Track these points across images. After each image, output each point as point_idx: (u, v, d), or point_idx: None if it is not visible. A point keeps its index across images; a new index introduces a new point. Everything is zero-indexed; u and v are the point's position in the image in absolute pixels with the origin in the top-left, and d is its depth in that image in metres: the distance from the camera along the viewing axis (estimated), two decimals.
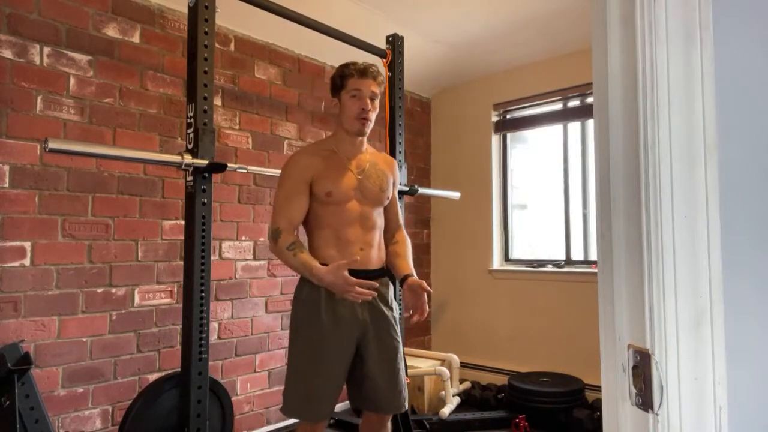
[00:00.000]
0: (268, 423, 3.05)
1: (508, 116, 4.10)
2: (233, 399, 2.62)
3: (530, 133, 4.13)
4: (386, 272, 1.97)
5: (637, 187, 0.64)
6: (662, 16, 0.64)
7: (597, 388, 3.01)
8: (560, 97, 3.76)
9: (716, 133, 0.64)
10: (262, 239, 3.07)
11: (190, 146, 2.01)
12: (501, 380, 3.68)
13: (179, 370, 2.06)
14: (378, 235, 1.94)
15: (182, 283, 2.12)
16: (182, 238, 2.17)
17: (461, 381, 3.63)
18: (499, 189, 4.08)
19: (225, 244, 2.89)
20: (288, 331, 1.96)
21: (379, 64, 2.64)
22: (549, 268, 3.77)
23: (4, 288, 2.13)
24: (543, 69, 3.77)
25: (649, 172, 0.63)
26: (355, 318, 1.83)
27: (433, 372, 3.29)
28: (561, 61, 3.66)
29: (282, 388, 1.92)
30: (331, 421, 3.10)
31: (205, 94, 2.01)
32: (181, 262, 2.36)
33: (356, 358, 1.86)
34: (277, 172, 2.55)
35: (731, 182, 0.66)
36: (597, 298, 0.71)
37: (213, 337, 2.79)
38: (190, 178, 2.00)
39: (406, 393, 1.94)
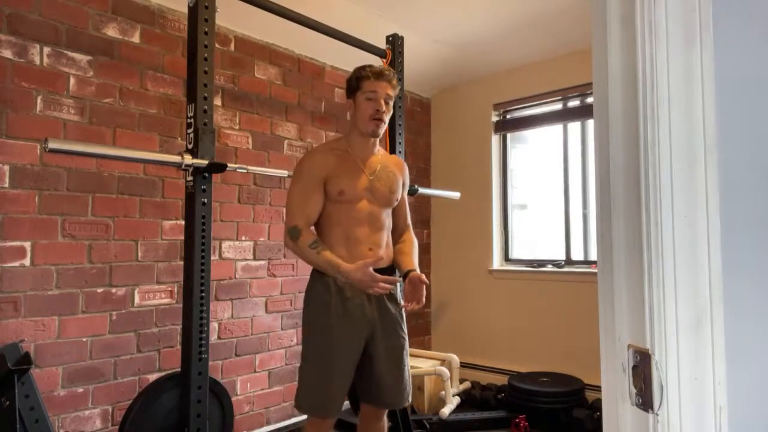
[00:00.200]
0: (268, 423, 3.05)
1: (508, 116, 4.10)
2: (233, 399, 2.62)
3: (530, 133, 4.13)
4: (394, 271, 2.03)
5: (637, 187, 0.64)
6: (662, 16, 0.64)
7: (597, 388, 3.01)
8: (560, 97, 3.76)
9: (716, 133, 0.64)
10: (262, 239, 3.07)
11: (190, 146, 2.01)
12: (501, 380, 3.68)
13: (179, 370, 2.06)
14: (386, 236, 1.98)
15: (182, 283, 2.12)
16: (182, 238, 2.17)
17: (461, 381, 3.63)
18: (499, 189, 4.08)
19: (225, 244, 2.89)
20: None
21: (380, 64, 2.64)
22: (549, 268, 3.77)
23: (4, 288, 2.13)
24: (543, 69, 3.77)
25: (649, 172, 0.63)
26: (364, 316, 1.88)
27: (433, 372, 3.29)
28: (561, 61, 3.66)
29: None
30: None
31: (205, 94, 2.01)
32: (181, 262, 2.36)
33: (364, 354, 1.91)
34: (277, 172, 2.57)
35: (731, 182, 0.66)
36: (597, 298, 0.71)
37: (213, 337, 2.79)
38: (190, 178, 2.00)
39: (410, 388, 2.01)
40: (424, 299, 1.92)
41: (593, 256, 3.64)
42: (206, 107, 2.01)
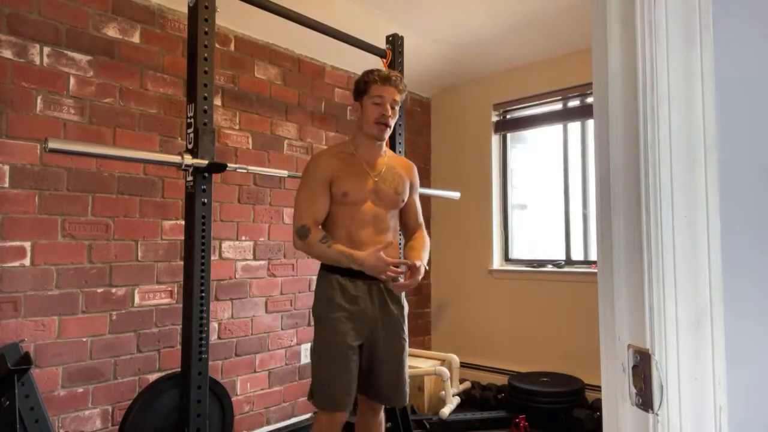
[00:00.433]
0: (268, 423, 3.05)
1: (508, 116, 4.10)
2: (233, 399, 2.62)
3: (530, 133, 4.13)
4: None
5: (637, 187, 0.64)
6: (662, 16, 0.64)
7: (597, 388, 3.01)
8: (560, 97, 3.76)
9: (716, 133, 0.64)
10: (262, 239, 3.07)
11: (190, 146, 2.01)
12: (501, 380, 3.68)
13: (179, 370, 2.06)
14: (391, 237, 2.00)
15: (182, 283, 2.12)
16: (182, 238, 2.17)
17: (461, 381, 3.63)
18: (499, 189, 4.08)
19: (225, 244, 2.89)
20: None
21: (379, 64, 2.64)
22: (549, 268, 3.77)
23: (4, 288, 2.13)
24: (543, 69, 3.77)
25: (649, 172, 0.63)
26: (366, 315, 1.92)
27: (433, 372, 3.29)
28: (561, 61, 3.66)
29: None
30: None
31: (205, 94, 2.01)
32: (181, 262, 2.36)
33: (365, 351, 1.95)
34: (277, 172, 2.57)
35: (731, 182, 0.66)
36: (597, 298, 0.71)
37: (213, 337, 2.79)
38: (190, 178, 2.00)
39: (407, 388, 2.05)
40: (415, 282, 1.90)
41: (593, 256, 3.64)
42: (206, 107, 2.01)
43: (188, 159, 1.96)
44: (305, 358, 3.15)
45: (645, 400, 0.62)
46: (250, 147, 3.04)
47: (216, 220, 2.81)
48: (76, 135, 2.35)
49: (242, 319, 2.95)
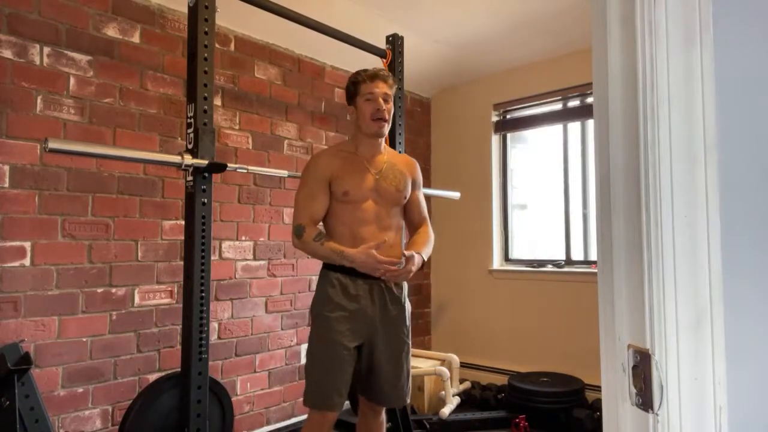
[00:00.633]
0: (268, 423, 3.05)
1: (508, 116, 4.10)
2: (233, 399, 2.62)
3: (530, 133, 4.13)
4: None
5: (637, 187, 0.64)
6: (662, 16, 0.64)
7: (597, 388, 3.01)
8: (560, 97, 3.76)
9: (716, 133, 0.64)
10: (262, 239, 3.07)
11: (190, 146, 2.01)
12: (501, 380, 3.67)
13: (179, 370, 2.06)
14: (394, 235, 2.00)
15: (182, 283, 2.12)
16: (182, 238, 2.17)
17: (461, 381, 3.63)
18: (499, 189, 4.08)
19: (225, 244, 2.89)
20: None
21: (379, 64, 2.64)
22: (549, 268, 3.77)
23: (4, 288, 2.13)
24: (543, 69, 3.77)
25: (649, 172, 0.63)
26: (366, 315, 1.91)
27: (433, 372, 3.29)
28: (561, 61, 3.66)
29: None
30: None
31: (205, 94, 2.01)
32: (181, 262, 2.36)
33: (365, 352, 1.94)
34: (277, 172, 2.57)
35: (731, 182, 0.66)
36: (597, 298, 0.71)
37: (213, 337, 2.79)
38: (190, 178, 2.00)
39: (408, 388, 2.04)
40: (407, 271, 1.87)
41: (593, 256, 3.64)
42: (206, 107, 2.01)
43: (188, 159, 1.96)
44: (305, 358, 3.15)
45: (645, 400, 0.62)
46: (250, 147, 3.04)
47: (216, 220, 2.81)
48: (76, 135, 2.35)
49: (242, 319, 2.95)
